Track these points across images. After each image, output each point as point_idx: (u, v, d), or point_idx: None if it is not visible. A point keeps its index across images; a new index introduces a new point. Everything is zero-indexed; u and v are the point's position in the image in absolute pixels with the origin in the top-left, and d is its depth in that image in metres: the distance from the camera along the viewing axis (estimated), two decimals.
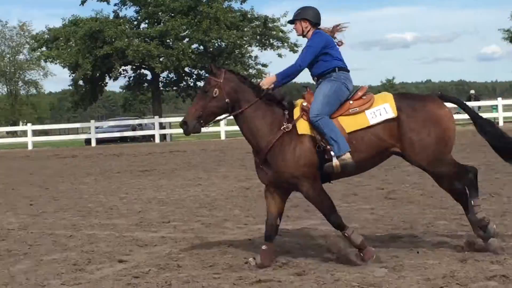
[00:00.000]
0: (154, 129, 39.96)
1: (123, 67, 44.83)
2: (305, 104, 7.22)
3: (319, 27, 7.48)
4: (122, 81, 52.10)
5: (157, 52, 40.48)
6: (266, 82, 7.35)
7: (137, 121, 43.28)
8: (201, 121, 7.26)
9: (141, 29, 44.04)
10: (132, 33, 42.09)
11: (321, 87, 7.24)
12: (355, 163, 6.96)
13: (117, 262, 7.59)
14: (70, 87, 48.39)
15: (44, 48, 44.62)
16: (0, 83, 78.29)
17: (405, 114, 7.05)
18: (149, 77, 46.42)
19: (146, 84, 47.26)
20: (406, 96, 7.48)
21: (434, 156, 7.02)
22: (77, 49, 41.14)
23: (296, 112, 7.23)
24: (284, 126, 7.11)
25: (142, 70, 46.58)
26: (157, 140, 38.58)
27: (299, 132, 7.08)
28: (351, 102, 7.20)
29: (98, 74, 43.51)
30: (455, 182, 7.22)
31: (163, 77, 46.55)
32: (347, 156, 6.93)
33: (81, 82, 44.22)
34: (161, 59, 41.79)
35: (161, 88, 47.42)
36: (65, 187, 16.02)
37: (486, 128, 7.36)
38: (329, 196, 7.14)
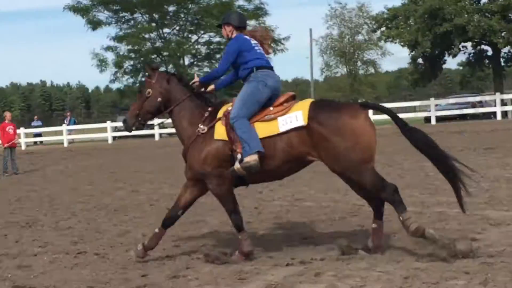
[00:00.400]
0: (494, 106, 38.61)
1: (462, 44, 44.04)
2: (230, 108, 7.42)
3: (244, 30, 7.78)
4: (460, 58, 51.19)
5: (499, 27, 39.09)
6: (194, 85, 7.85)
7: (477, 98, 42.26)
8: (140, 119, 7.85)
9: (482, 5, 42.80)
10: (472, 9, 41.12)
11: (240, 91, 7.49)
12: (260, 167, 7.09)
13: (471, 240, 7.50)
14: (408, 66, 48.77)
15: (383, 28, 45.46)
16: (340, 64, 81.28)
17: (317, 123, 7.01)
18: (489, 53, 45.04)
19: (486, 60, 45.93)
20: (325, 104, 7.35)
21: (349, 164, 6.94)
22: (416, 27, 41.30)
23: (219, 114, 7.50)
24: (199, 128, 7.51)
25: (482, 46, 45.34)
26: (498, 117, 37.24)
27: (215, 137, 7.40)
28: (271, 108, 7.33)
29: (437, 52, 43.26)
30: (372, 193, 7.11)
31: (505, 53, 44.86)
32: (252, 158, 7.07)
33: (420, 60, 44.32)
34: (502, 34, 40.28)
35: (503, 64, 45.73)
36: (409, 165, 16.17)
37: (413, 136, 7.13)
38: (234, 197, 7.50)
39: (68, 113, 56.94)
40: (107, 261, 7.79)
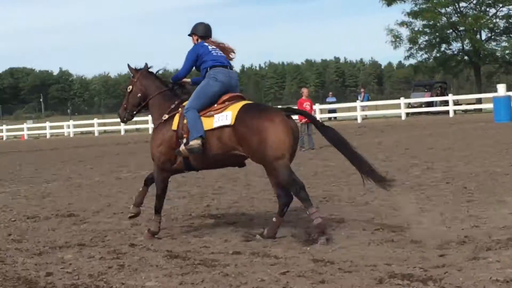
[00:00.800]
0: None
1: None
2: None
3: (209, 39, 8.92)
4: None
5: None
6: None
7: None
8: (128, 112, 9.33)
9: None
10: None
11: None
12: (201, 149, 8.18)
13: None
14: None
15: None
16: None
17: (241, 123, 7.98)
18: None
19: None
20: (252, 107, 8.17)
21: (264, 159, 7.90)
22: None
23: (181, 107, 8.67)
24: (163, 116, 8.77)
25: None
26: None
27: (172, 127, 8.59)
28: (215, 105, 8.39)
29: None
30: (280, 186, 8.13)
31: None
32: (195, 142, 8.18)
33: None
34: None
35: None
36: None
37: (328, 134, 8.28)
38: (166, 187, 8.86)
39: (362, 90, 57.76)
40: (405, 238, 7.73)
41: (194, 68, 8.94)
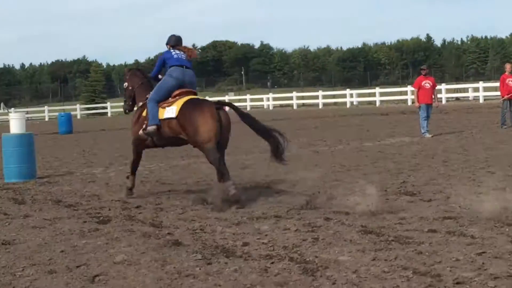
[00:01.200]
0: None
1: None
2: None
3: (177, 47, 11.14)
4: None
5: None
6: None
7: None
8: (127, 103, 11.94)
9: None
10: None
11: None
12: (156, 133, 10.56)
13: None
14: None
15: None
16: None
17: (183, 115, 10.22)
18: None
19: None
20: (191, 102, 10.31)
21: (199, 144, 10.19)
22: None
23: None
24: (138, 104, 11.45)
25: None
26: None
27: (143, 114, 10.99)
28: (170, 98, 10.61)
29: None
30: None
31: None
32: (151, 127, 10.53)
33: None
34: None
35: None
36: None
37: (247, 119, 10.55)
38: (139, 156, 11.37)
39: None
40: None
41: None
